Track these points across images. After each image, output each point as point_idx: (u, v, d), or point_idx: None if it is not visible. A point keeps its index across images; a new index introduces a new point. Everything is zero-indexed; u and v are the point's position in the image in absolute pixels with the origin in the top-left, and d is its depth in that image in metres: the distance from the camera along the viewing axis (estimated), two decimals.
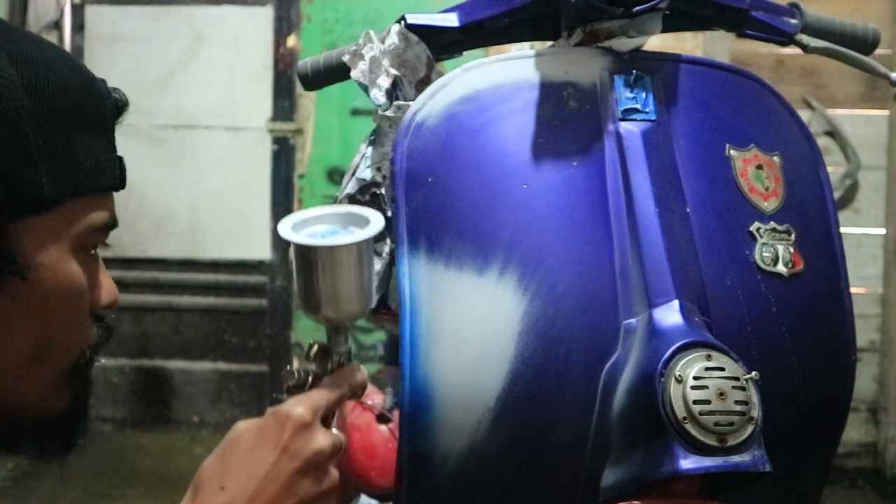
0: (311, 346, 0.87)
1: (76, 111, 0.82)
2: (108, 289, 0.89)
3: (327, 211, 0.88)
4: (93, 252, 0.86)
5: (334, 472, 0.82)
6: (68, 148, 0.80)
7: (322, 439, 0.80)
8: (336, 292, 0.84)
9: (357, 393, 0.86)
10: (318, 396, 0.83)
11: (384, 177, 1.15)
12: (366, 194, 1.16)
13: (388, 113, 1.10)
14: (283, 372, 0.86)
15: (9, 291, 0.78)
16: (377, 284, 0.86)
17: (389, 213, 1.15)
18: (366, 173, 1.16)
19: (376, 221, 0.85)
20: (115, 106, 0.88)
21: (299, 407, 0.81)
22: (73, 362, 0.85)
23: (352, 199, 1.17)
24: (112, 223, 0.87)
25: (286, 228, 0.86)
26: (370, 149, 1.17)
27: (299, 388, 0.85)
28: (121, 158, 0.88)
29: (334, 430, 0.84)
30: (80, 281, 0.83)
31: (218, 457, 0.81)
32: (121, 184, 0.88)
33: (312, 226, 0.87)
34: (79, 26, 4.02)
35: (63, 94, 0.81)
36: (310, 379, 0.85)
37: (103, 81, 0.88)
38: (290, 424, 0.80)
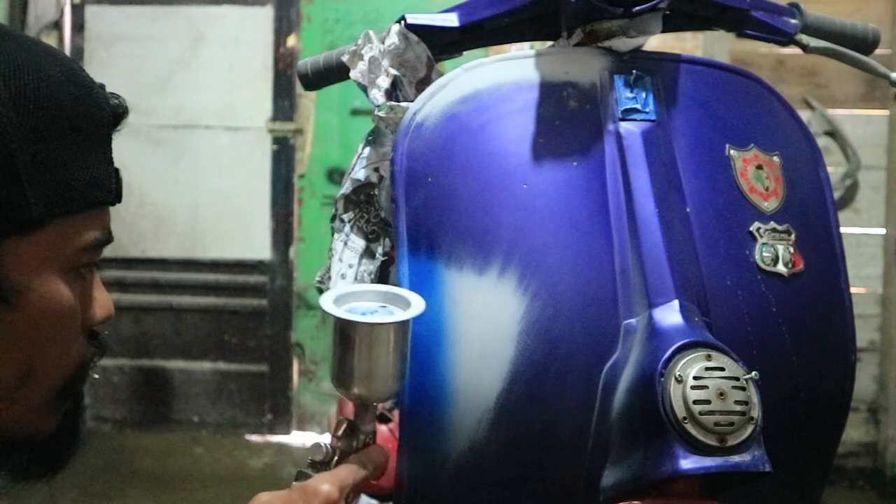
0: (339, 422, 0.88)
1: (69, 124, 0.77)
2: (102, 304, 0.85)
3: (370, 288, 0.89)
4: (85, 270, 0.82)
5: None
6: (59, 163, 0.76)
7: None
8: (370, 371, 0.85)
9: (379, 473, 0.87)
10: (345, 475, 0.83)
11: (381, 178, 1.15)
12: (360, 194, 1.16)
13: (382, 114, 1.10)
14: (311, 445, 0.87)
15: None
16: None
17: (384, 214, 1.15)
18: (360, 173, 1.16)
19: (417, 304, 0.87)
20: (113, 114, 0.83)
21: (326, 484, 0.80)
22: (62, 382, 0.81)
23: (346, 199, 1.17)
24: (106, 240, 0.82)
25: (328, 302, 0.86)
26: (367, 149, 1.17)
27: (325, 464, 0.86)
28: (117, 171, 0.84)
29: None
30: (69, 303, 0.79)
31: None
32: (116, 198, 0.83)
33: (354, 301, 0.88)
34: (79, 26, 4.02)
35: (55, 106, 0.76)
36: (336, 455, 0.86)
37: (102, 87, 0.83)
38: (317, 502, 0.79)
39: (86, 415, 4.06)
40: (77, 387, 0.84)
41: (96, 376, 0.88)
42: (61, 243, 0.77)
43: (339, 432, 0.87)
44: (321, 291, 1.16)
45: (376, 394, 0.87)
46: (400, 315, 0.86)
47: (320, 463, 0.86)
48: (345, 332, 0.84)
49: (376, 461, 0.86)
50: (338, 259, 1.15)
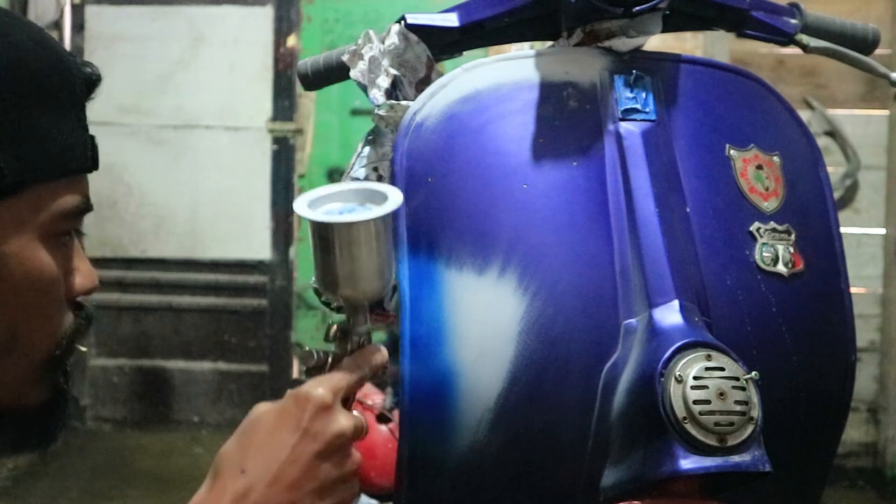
0: (329, 326, 0.85)
1: (40, 89, 0.77)
2: (85, 274, 0.84)
3: (344, 188, 0.85)
4: (66, 238, 0.81)
5: (356, 455, 0.80)
6: (31, 129, 0.76)
7: (343, 421, 0.78)
8: (354, 271, 0.81)
9: (377, 373, 0.84)
10: (339, 378, 0.80)
11: (380, 177, 1.15)
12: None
13: (382, 112, 1.10)
14: (302, 353, 0.84)
15: None
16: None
17: None
18: (360, 172, 1.16)
19: (394, 198, 0.82)
20: (85, 82, 0.82)
21: (320, 388, 0.78)
22: (48, 353, 0.81)
23: None
24: (85, 207, 0.81)
25: (302, 206, 0.83)
26: (367, 148, 1.17)
27: (319, 369, 0.83)
28: (92, 137, 0.83)
29: (355, 413, 0.82)
30: (51, 269, 0.78)
31: (238, 440, 0.79)
32: (93, 164, 0.83)
33: (329, 203, 0.84)
34: (79, 26, 4.02)
35: (24, 71, 0.75)
36: (329, 360, 0.83)
37: (72, 55, 0.82)
38: (310, 406, 0.78)
39: (86, 414, 4.06)
40: (64, 358, 0.83)
41: (84, 349, 0.87)
42: (38, 209, 0.77)
43: (331, 336, 0.85)
44: (319, 293, 1.15)
45: (364, 293, 0.83)
46: (377, 211, 0.81)
47: (313, 369, 0.83)
48: (323, 235, 0.81)
49: (371, 361, 0.83)
50: None
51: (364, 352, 0.84)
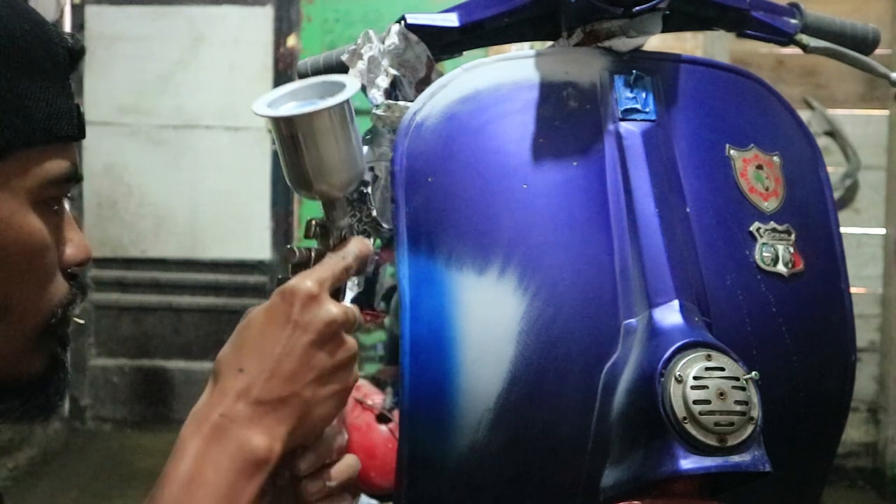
0: (308, 223, 0.84)
1: (23, 56, 0.77)
2: (78, 244, 0.84)
3: (300, 84, 0.84)
4: (57, 207, 0.81)
5: (350, 341, 0.80)
6: (15, 94, 0.76)
7: (333, 309, 0.78)
8: (323, 163, 0.80)
9: (364, 264, 0.83)
10: (323, 269, 0.80)
11: (375, 177, 1.15)
12: (354, 192, 1.16)
13: (380, 112, 1.10)
14: (285, 251, 0.83)
15: None
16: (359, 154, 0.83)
17: (375, 213, 1.14)
18: None
19: (352, 85, 0.81)
20: (68, 51, 0.82)
21: (306, 281, 0.78)
22: (43, 322, 0.81)
23: None
24: (73, 174, 0.81)
25: (262, 106, 0.82)
26: (365, 148, 1.17)
27: (303, 265, 0.82)
28: (78, 106, 0.83)
29: (346, 303, 0.81)
30: (41, 235, 0.78)
31: (232, 343, 0.79)
32: (79, 133, 0.83)
33: (288, 102, 0.83)
34: (79, 26, 4.02)
35: (5, 39, 0.76)
36: (313, 255, 0.82)
37: (55, 26, 0.83)
38: (297, 299, 0.77)
39: (86, 414, 4.06)
40: (60, 328, 0.83)
41: (80, 321, 0.87)
42: (25, 174, 0.77)
43: (312, 233, 0.84)
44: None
45: (337, 185, 0.82)
46: (336, 98, 0.80)
47: (298, 265, 0.82)
48: (287, 132, 0.80)
49: (356, 251, 0.82)
50: None
51: (346, 243, 0.83)
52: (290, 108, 0.82)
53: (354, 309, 0.81)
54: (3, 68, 0.76)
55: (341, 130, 0.80)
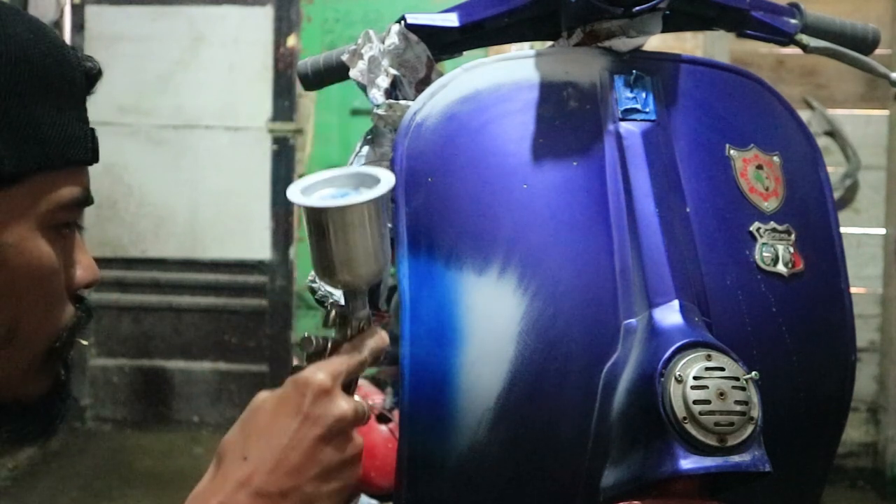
0: (328, 311, 0.84)
1: (40, 81, 0.77)
2: (86, 267, 0.84)
3: (337, 173, 0.85)
4: (66, 230, 0.81)
5: (358, 439, 0.80)
6: (31, 119, 0.76)
7: (344, 405, 0.78)
8: (350, 255, 0.81)
9: (378, 357, 0.83)
10: (338, 362, 0.80)
11: None
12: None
13: (381, 112, 1.10)
14: (302, 339, 0.83)
15: None
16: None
17: None
18: None
19: (387, 180, 0.82)
20: (85, 75, 0.83)
21: (319, 373, 0.78)
22: (48, 345, 0.81)
23: None
24: (85, 199, 0.81)
25: (295, 192, 0.82)
26: (366, 148, 1.17)
27: (318, 355, 0.82)
28: (93, 130, 0.83)
29: (357, 398, 0.81)
30: (50, 260, 0.78)
31: (239, 428, 0.79)
32: (93, 157, 0.83)
33: (322, 189, 0.83)
34: (79, 26, 4.03)
35: (24, 63, 0.76)
36: (329, 345, 0.83)
37: (73, 49, 0.83)
38: (310, 391, 0.77)
39: (86, 414, 4.06)
40: (64, 351, 0.83)
41: (85, 342, 0.87)
42: (37, 200, 0.77)
43: (329, 323, 0.84)
44: (313, 291, 1.15)
45: (361, 278, 0.82)
46: (370, 193, 0.81)
47: (313, 355, 0.82)
48: (318, 220, 0.80)
49: (372, 345, 0.82)
50: None
51: (363, 336, 0.83)
52: (322, 197, 0.82)
53: (364, 404, 0.81)
54: (21, 94, 0.75)
55: (371, 225, 0.81)
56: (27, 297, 0.78)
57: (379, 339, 0.84)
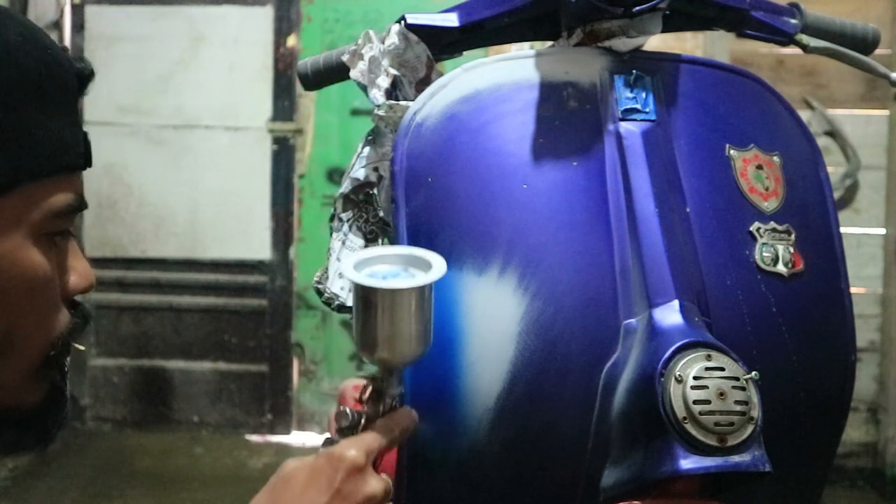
0: (365, 387, 0.87)
1: (32, 87, 0.75)
2: (81, 273, 0.83)
3: (390, 251, 0.88)
4: (60, 237, 0.80)
5: None
6: (24, 127, 0.74)
7: (375, 483, 0.79)
8: (394, 335, 0.84)
9: (407, 437, 0.86)
10: (371, 440, 0.82)
11: (380, 177, 1.15)
12: (359, 193, 1.16)
13: (381, 112, 1.10)
14: (336, 412, 0.86)
15: None
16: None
17: (383, 214, 1.15)
18: (360, 172, 1.16)
19: (438, 266, 0.85)
20: (77, 77, 0.81)
21: (353, 450, 0.79)
22: (44, 353, 0.80)
23: (345, 198, 1.17)
24: (78, 205, 0.80)
25: (350, 268, 0.85)
26: (367, 148, 1.17)
27: (352, 429, 0.85)
28: (86, 134, 0.82)
29: (383, 476, 0.83)
30: (44, 269, 0.77)
31: (268, 495, 0.79)
32: (86, 162, 0.81)
33: (374, 265, 0.87)
34: (79, 26, 4.02)
35: (16, 69, 0.74)
36: (363, 421, 0.86)
37: (65, 50, 0.81)
38: (343, 467, 0.78)
39: (86, 414, 4.06)
40: (61, 358, 0.82)
41: (81, 348, 0.87)
42: (30, 208, 0.76)
43: (365, 397, 0.87)
44: (319, 293, 1.15)
45: (401, 357, 0.86)
46: (421, 279, 0.84)
47: (346, 429, 0.85)
48: (367, 297, 0.83)
49: (403, 424, 0.85)
50: (336, 258, 1.15)
51: (396, 415, 0.86)
52: (373, 274, 0.85)
53: (390, 483, 0.83)
54: (12, 100, 0.74)
55: (418, 309, 0.84)
56: (21, 306, 0.77)
57: (410, 420, 0.86)
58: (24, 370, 0.79)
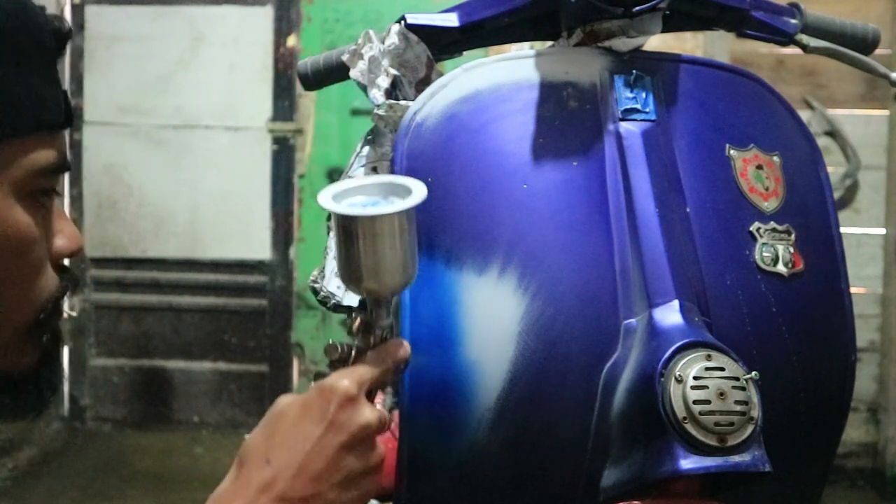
0: (353, 319, 0.85)
1: (7, 43, 0.74)
2: (68, 235, 0.81)
3: (368, 181, 0.86)
4: (44, 198, 0.78)
5: (380, 448, 0.81)
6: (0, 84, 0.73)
7: (368, 413, 0.78)
8: (378, 264, 0.81)
9: (400, 368, 0.84)
10: (363, 370, 0.80)
11: None
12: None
13: (381, 112, 1.10)
14: (326, 346, 0.84)
15: None
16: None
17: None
18: (358, 172, 1.16)
19: (418, 191, 0.83)
20: (54, 35, 0.80)
21: (345, 380, 0.78)
22: (33, 316, 0.79)
23: None
24: (61, 164, 0.79)
25: (327, 198, 0.83)
26: (366, 148, 1.17)
27: (342, 362, 0.83)
28: (65, 93, 0.80)
29: (378, 406, 0.82)
30: (28, 229, 0.76)
31: (262, 431, 0.79)
32: (66, 120, 0.80)
33: (353, 196, 0.84)
34: (79, 26, 4.02)
35: None
36: (353, 353, 0.84)
37: (42, 8, 0.80)
38: (335, 398, 0.77)
39: (86, 414, 4.06)
40: (52, 321, 0.81)
41: (73, 314, 0.86)
42: (11, 167, 0.75)
43: (354, 330, 0.85)
44: (315, 291, 1.15)
45: (387, 287, 0.83)
46: (400, 204, 0.82)
47: (337, 362, 0.84)
48: (347, 227, 0.81)
49: (395, 355, 0.83)
50: (332, 257, 1.15)
51: (387, 345, 0.84)
52: (352, 204, 0.83)
53: (386, 413, 0.82)
54: None
55: (400, 235, 0.82)
56: (7, 267, 0.76)
57: (402, 349, 0.84)
58: (13, 333, 0.78)
